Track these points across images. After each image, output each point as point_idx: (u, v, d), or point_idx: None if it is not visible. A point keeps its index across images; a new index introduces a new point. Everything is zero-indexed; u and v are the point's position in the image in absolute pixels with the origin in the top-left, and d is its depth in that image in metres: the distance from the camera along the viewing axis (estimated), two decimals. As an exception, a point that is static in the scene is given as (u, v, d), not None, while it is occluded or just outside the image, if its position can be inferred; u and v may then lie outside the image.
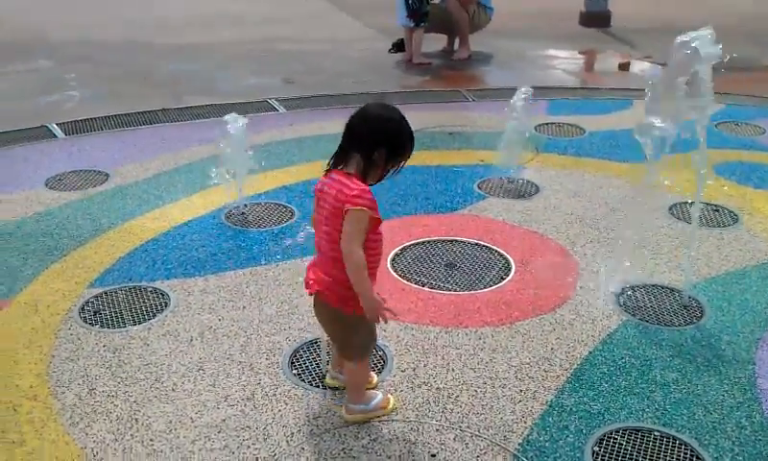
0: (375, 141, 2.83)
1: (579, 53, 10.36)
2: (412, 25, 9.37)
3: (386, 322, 2.88)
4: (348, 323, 2.95)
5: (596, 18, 11.94)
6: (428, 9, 9.33)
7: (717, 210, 5.10)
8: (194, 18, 12.40)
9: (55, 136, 5.84)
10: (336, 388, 3.28)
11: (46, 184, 5.46)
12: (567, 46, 10.58)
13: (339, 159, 2.89)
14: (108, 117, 7.01)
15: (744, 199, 5.31)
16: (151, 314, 3.89)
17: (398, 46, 9.88)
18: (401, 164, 2.97)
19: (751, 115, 7.23)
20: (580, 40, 11.00)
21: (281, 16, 12.64)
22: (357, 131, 2.86)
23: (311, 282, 2.96)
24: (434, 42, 10.20)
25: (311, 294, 2.99)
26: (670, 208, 5.06)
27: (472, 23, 9.95)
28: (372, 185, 2.89)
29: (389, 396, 3.21)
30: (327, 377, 3.34)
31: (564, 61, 9.77)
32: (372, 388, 3.24)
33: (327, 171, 2.92)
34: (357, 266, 2.76)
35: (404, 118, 2.93)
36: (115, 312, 3.90)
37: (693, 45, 3.46)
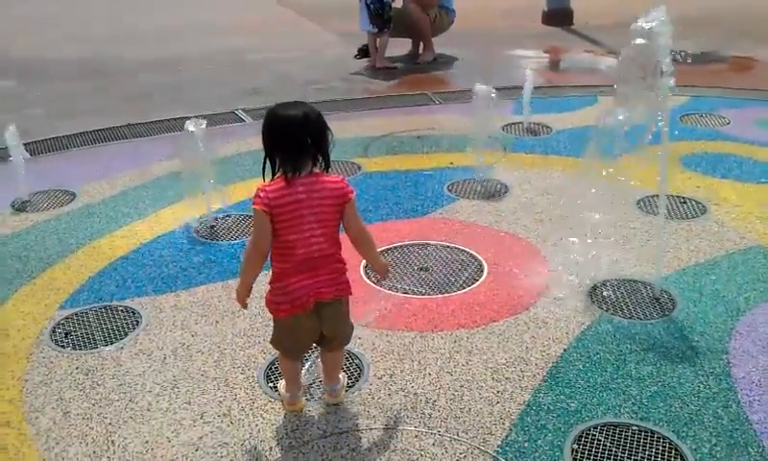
0: (321, 135, 2.91)
1: (543, 51, 10.45)
2: (375, 30, 9.39)
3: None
4: (346, 307, 3.13)
5: (559, 16, 12.05)
6: (391, 14, 9.35)
7: (685, 202, 5.17)
8: (162, 30, 12.30)
9: (18, 157, 5.73)
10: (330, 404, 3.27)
11: (12, 206, 5.37)
12: (531, 45, 10.66)
13: (297, 167, 2.87)
14: (74, 135, 6.93)
15: (711, 190, 5.38)
16: (123, 333, 3.84)
17: (364, 52, 9.89)
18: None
19: (715, 106, 7.33)
20: (543, 39, 11.09)
21: (247, 25, 12.59)
22: (307, 133, 2.88)
23: (324, 291, 2.97)
24: (399, 47, 10.22)
25: (325, 301, 2.99)
26: (638, 202, 5.11)
27: (435, 26, 9.99)
28: None
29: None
30: (293, 404, 3.22)
31: (528, 61, 9.84)
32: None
33: (285, 182, 2.87)
34: (373, 241, 3.16)
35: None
36: (87, 333, 3.85)
37: (646, 28, 3.49)
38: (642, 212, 5.01)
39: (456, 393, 3.31)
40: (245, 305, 3.07)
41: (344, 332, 3.18)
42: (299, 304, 2.95)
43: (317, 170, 2.93)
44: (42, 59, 9.97)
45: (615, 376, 3.40)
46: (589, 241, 4.39)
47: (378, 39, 9.51)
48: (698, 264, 4.35)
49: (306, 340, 3.15)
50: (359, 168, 5.98)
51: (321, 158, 2.93)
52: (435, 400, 3.26)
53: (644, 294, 4.06)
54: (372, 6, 9.21)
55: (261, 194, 2.86)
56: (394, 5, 9.49)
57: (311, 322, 3.02)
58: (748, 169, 5.79)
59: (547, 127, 6.87)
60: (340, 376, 3.30)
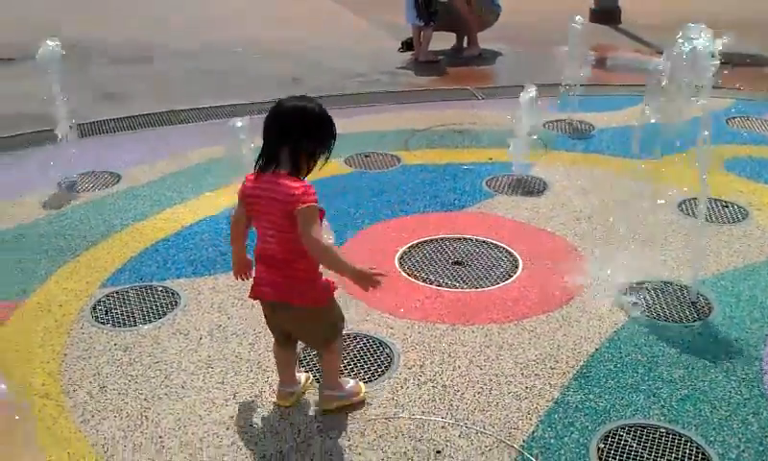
0: (301, 133, 2.83)
1: (589, 49, 10.32)
2: (421, 23, 9.41)
3: (380, 284, 2.83)
4: (323, 313, 3.01)
5: (607, 15, 11.90)
6: (437, 7, 9.36)
7: (727, 206, 5.09)
8: (210, 19, 12.44)
9: (68, 139, 5.89)
10: (289, 406, 3.21)
11: (59, 186, 5.52)
12: (577, 43, 10.54)
13: (269, 162, 2.86)
14: (120, 119, 7.08)
15: (754, 194, 5.29)
16: (161, 313, 3.93)
17: (408, 45, 9.91)
18: (327, 155, 2.95)
19: (761, 110, 7.18)
20: (590, 37, 10.95)
21: (294, 17, 12.66)
22: (280, 128, 2.85)
23: (266, 291, 2.95)
24: (443, 41, 10.21)
25: (268, 301, 3.00)
26: (679, 205, 5.06)
27: (480, 21, 9.96)
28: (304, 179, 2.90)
29: (359, 383, 3.27)
30: (280, 398, 3.22)
31: (573, 58, 9.73)
32: (299, 393, 3.24)
33: (257, 175, 2.89)
34: (329, 253, 2.83)
35: (322, 107, 2.93)
36: (126, 311, 3.96)
37: (690, 43, 3.48)
38: (683, 215, 4.95)
39: (484, 386, 3.33)
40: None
41: (310, 338, 3.14)
42: (253, 291, 3.03)
43: (283, 171, 2.83)
44: (89, 42, 10.17)
45: (646, 377, 3.38)
46: (627, 242, 4.37)
47: (422, 33, 9.52)
48: (737, 269, 4.30)
49: (272, 328, 3.14)
50: (398, 160, 6.01)
51: (300, 160, 2.85)
52: (463, 393, 3.28)
53: (680, 297, 4.02)
54: (419, 0, 9.24)
55: (244, 180, 2.94)
56: (440, -1, 9.50)
57: (268, 313, 3.08)
58: (794, 175, 5.68)
59: (590, 125, 6.82)
60: (343, 380, 3.23)
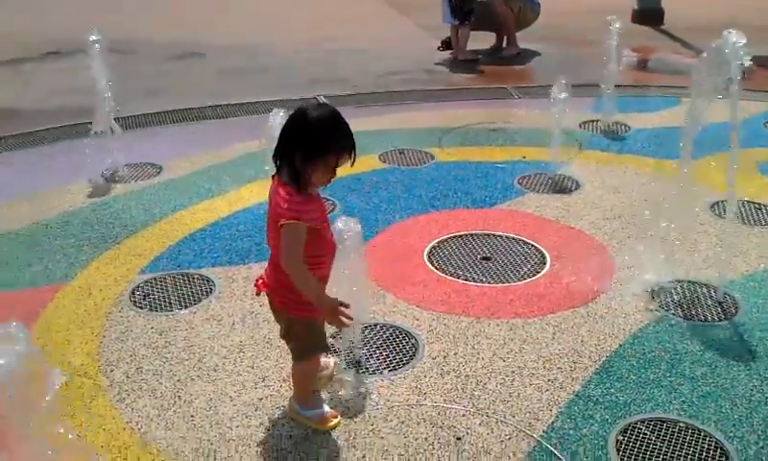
0: (289, 144, 2.74)
1: (630, 50, 10.26)
2: (456, 22, 9.49)
3: (345, 325, 2.81)
4: (297, 325, 2.95)
5: (649, 16, 11.82)
6: (472, 6, 9.42)
7: (760, 209, 5.07)
8: (255, 19, 12.65)
9: (112, 131, 6.09)
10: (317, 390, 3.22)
11: (103, 176, 5.71)
12: (618, 43, 10.48)
13: (278, 167, 2.81)
14: (162, 113, 7.28)
15: (789, 198, 5.26)
16: (197, 299, 4.08)
17: (447, 44, 9.98)
18: (340, 162, 2.77)
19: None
20: (631, 38, 10.88)
21: (338, 17, 12.80)
22: (287, 136, 2.77)
23: (259, 282, 2.99)
24: (483, 41, 10.25)
25: (257, 293, 3.02)
26: (712, 206, 5.05)
27: (519, 20, 9.99)
28: (318, 188, 2.84)
29: (334, 416, 3.12)
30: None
31: (613, 59, 9.70)
32: (327, 377, 3.21)
33: (273, 176, 2.88)
34: (300, 278, 2.75)
35: (326, 116, 2.74)
36: (163, 297, 4.10)
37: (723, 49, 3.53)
38: (714, 216, 4.94)
39: (507, 378, 3.39)
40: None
41: (286, 340, 3.09)
42: (256, 281, 3.03)
43: (283, 179, 2.76)
44: (137, 41, 10.43)
45: (669, 374, 3.42)
46: (657, 241, 4.38)
47: (459, 32, 9.58)
48: (766, 271, 4.29)
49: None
50: (432, 157, 6.09)
51: (295, 168, 2.73)
52: (485, 384, 3.36)
53: (707, 297, 4.04)
54: (452, 0, 9.32)
55: None
56: (480, -2, 9.55)
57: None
58: (832, 179, 5.62)
59: (626, 126, 6.81)
60: (314, 402, 3.14)
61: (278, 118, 4.94)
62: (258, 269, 4.30)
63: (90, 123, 5.77)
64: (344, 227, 3.25)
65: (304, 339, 2.99)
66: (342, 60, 9.78)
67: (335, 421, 3.12)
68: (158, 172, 5.84)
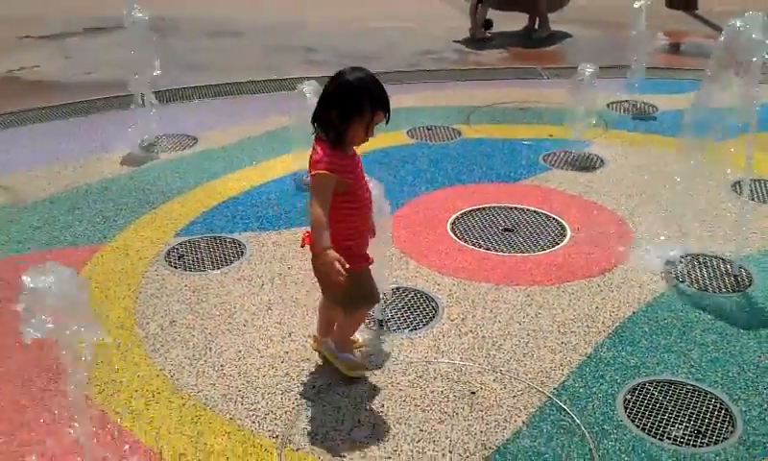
0: (326, 103, 2.94)
1: (662, 33, 10.24)
2: (475, 0, 9.71)
3: (337, 280, 2.87)
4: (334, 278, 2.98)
5: (683, 0, 11.75)
6: None
7: (781, 188, 5.13)
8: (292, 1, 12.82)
9: (150, 104, 6.33)
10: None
11: (141, 146, 5.93)
12: (650, 27, 10.47)
13: (315, 128, 3.01)
14: (200, 87, 7.51)
15: (811, 178, 5.30)
16: (228, 261, 4.27)
17: (487, 24, 10.05)
18: (375, 120, 2.96)
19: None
20: (664, 21, 10.86)
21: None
22: (319, 99, 3.00)
23: (305, 235, 3.10)
24: (517, 21, 10.30)
25: (302, 245, 3.15)
26: (733, 185, 5.11)
27: (552, 2, 10.02)
28: (355, 146, 3.02)
29: (362, 367, 3.30)
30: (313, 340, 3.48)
31: (644, 42, 9.71)
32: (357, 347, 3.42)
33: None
34: (315, 224, 2.89)
35: (362, 76, 2.94)
36: (197, 258, 4.31)
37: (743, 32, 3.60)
38: (735, 195, 5.00)
39: (522, 340, 3.54)
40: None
41: (327, 294, 3.21)
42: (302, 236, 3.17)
43: (321, 135, 2.97)
44: (180, 17, 10.66)
45: (679, 340, 3.53)
46: (677, 217, 4.47)
47: (478, 10, 9.71)
48: (783, 247, 4.37)
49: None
50: (459, 134, 6.21)
51: (328, 125, 2.94)
52: (501, 345, 3.50)
53: (722, 270, 4.13)
54: None
55: None
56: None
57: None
58: None
59: (653, 106, 6.87)
60: (349, 346, 3.34)
61: (306, 92, 5.12)
62: (289, 235, 4.52)
63: (130, 95, 5.98)
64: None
65: (350, 291, 3.05)
66: (375, 38, 9.90)
67: (361, 371, 3.29)
68: (194, 143, 6.05)
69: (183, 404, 3.15)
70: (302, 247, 3.18)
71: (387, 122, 3.04)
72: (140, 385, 3.27)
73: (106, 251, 4.40)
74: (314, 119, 3.02)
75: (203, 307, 3.83)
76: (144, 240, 4.51)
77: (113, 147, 5.90)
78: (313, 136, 3.04)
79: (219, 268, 4.20)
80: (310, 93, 5.12)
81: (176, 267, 4.21)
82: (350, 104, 2.91)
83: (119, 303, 3.88)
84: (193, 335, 3.61)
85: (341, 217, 2.99)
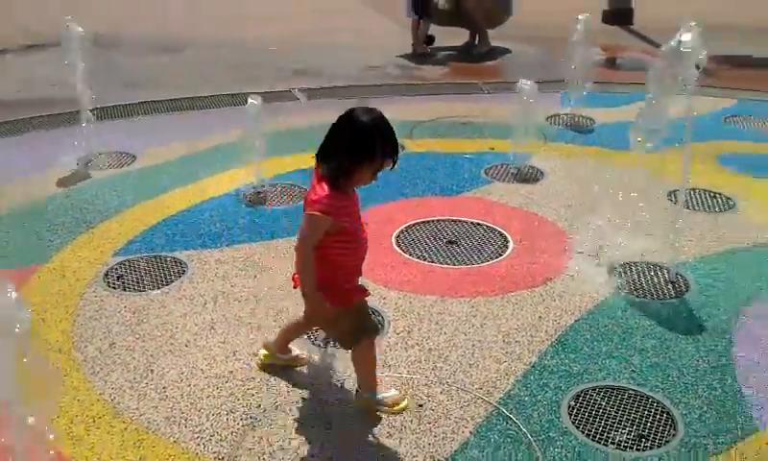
0: (338, 145, 2.84)
1: (599, 48, 10.49)
2: (416, 17, 9.94)
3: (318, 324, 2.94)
4: (332, 316, 3.03)
5: (619, 16, 12.07)
6: (436, 3, 9.84)
7: (715, 196, 5.28)
8: (228, 17, 12.73)
9: (88, 121, 6.19)
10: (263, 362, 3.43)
11: (77, 165, 5.80)
12: (583, 41, 10.71)
13: (319, 158, 2.92)
14: (139, 103, 7.38)
15: (743, 187, 5.47)
16: (169, 280, 4.19)
17: (429, 40, 10.17)
18: (384, 166, 2.90)
19: (758, 109, 7.32)
20: (600, 37, 11.12)
21: (310, 12, 12.92)
22: (328, 136, 2.90)
23: (295, 276, 3.08)
24: (457, 37, 10.44)
25: (294, 287, 3.11)
26: (669, 194, 5.24)
27: (491, 19, 10.19)
28: (357, 188, 2.96)
29: (403, 398, 3.18)
30: (263, 346, 3.44)
31: (582, 56, 9.92)
32: (294, 365, 3.40)
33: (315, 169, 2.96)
34: (303, 264, 2.91)
35: (375, 120, 2.84)
36: (136, 278, 4.22)
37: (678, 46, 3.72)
38: (671, 203, 5.14)
39: (467, 351, 3.55)
40: None
41: (337, 335, 3.22)
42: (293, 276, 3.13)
43: (324, 174, 2.87)
44: (120, 33, 10.51)
45: (620, 346, 3.60)
46: (615, 227, 4.56)
47: (420, 26, 9.93)
48: (717, 254, 4.49)
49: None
50: (402, 148, 6.16)
51: (334, 168, 2.85)
52: (447, 356, 3.51)
53: (660, 277, 4.23)
54: None
55: None
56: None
57: None
58: (786, 171, 5.85)
59: (591, 119, 7.02)
60: (382, 386, 3.19)
61: (253, 109, 5.10)
62: (231, 252, 4.46)
63: (68, 113, 5.85)
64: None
65: (348, 327, 3.05)
66: (319, 55, 9.90)
67: (405, 402, 3.16)
68: (132, 160, 5.94)
69: (125, 429, 3.07)
70: (295, 288, 3.11)
71: (392, 168, 2.95)
72: (80, 410, 3.17)
73: (42, 272, 4.28)
74: (319, 155, 2.92)
75: (143, 328, 3.74)
76: (81, 261, 4.40)
77: (49, 165, 5.76)
78: (313, 169, 2.94)
79: (159, 288, 4.12)
80: (254, 109, 5.10)
81: (115, 288, 4.12)
82: (362, 148, 2.81)
83: (56, 326, 3.77)
84: (134, 357, 3.52)
85: (335, 256, 2.94)
